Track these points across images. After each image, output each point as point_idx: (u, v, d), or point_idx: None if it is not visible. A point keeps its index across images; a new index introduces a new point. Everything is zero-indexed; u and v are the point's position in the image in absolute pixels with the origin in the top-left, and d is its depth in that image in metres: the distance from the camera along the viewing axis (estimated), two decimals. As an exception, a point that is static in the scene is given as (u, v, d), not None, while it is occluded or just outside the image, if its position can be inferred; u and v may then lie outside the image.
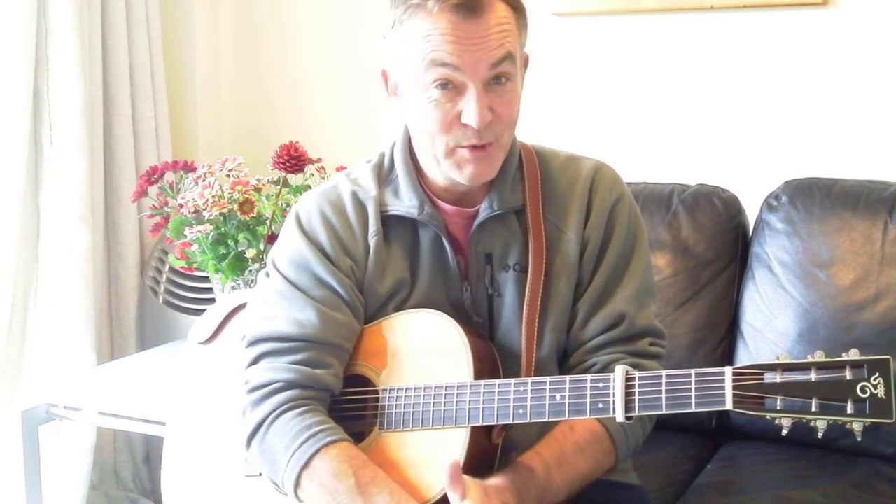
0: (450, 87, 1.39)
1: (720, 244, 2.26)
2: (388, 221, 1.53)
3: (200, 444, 1.65)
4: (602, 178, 1.56)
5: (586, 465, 1.45)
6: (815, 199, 2.17)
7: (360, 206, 1.53)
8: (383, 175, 1.57)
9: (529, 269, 1.50)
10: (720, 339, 2.23)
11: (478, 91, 1.38)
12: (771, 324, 2.14)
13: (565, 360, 1.55)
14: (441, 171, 1.48)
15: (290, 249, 1.53)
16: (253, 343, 1.51)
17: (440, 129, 1.41)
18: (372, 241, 1.51)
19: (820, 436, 1.22)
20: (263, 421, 1.44)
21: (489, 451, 1.44)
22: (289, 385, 1.45)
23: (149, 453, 2.88)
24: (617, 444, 1.47)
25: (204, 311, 1.78)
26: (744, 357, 2.18)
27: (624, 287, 1.53)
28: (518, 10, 1.44)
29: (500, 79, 1.40)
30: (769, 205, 2.23)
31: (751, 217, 2.30)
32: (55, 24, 2.54)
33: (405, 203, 1.52)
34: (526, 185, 1.53)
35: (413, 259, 1.53)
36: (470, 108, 1.38)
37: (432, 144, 1.44)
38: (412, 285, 1.53)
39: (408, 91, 1.46)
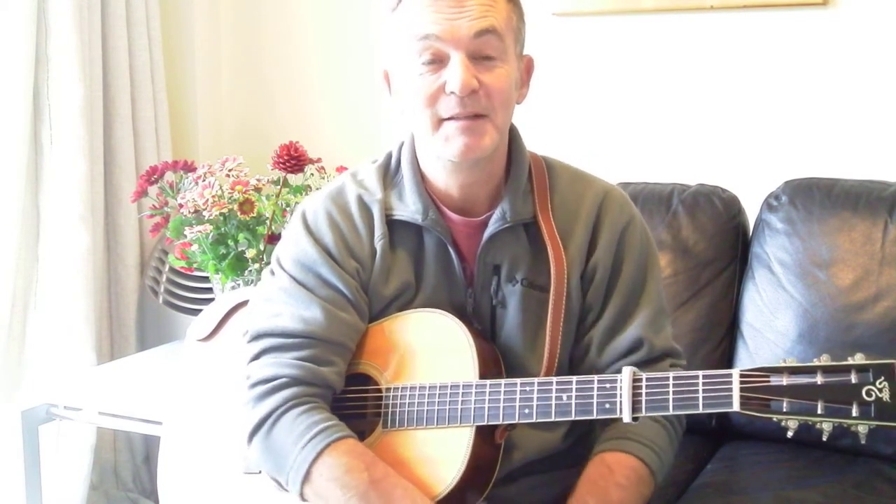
0: (435, 62, 1.41)
1: (720, 244, 2.26)
2: (393, 225, 1.53)
3: (198, 442, 1.65)
4: (611, 202, 1.55)
5: (633, 502, 1.45)
6: (815, 199, 2.17)
7: (365, 209, 1.53)
8: (388, 177, 1.57)
9: (552, 288, 1.49)
10: (720, 339, 2.23)
11: (461, 59, 1.39)
12: (771, 324, 2.14)
13: None
14: (435, 154, 1.48)
15: (295, 249, 1.53)
16: (256, 338, 1.50)
17: (426, 102, 1.42)
18: (378, 245, 1.51)
19: (825, 438, 1.23)
20: (268, 417, 1.43)
21: (492, 452, 1.44)
22: (294, 381, 1.44)
23: (149, 453, 2.88)
24: (655, 473, 1.48)
25: (203, 311, 1.78)
26: (744, 357, 2.18)
27: (640, 312, 1.52)
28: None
29: (488, 55, 1.41)
30: (769, 205, 2.23)
31: (751, 217, 2.30)
32: (55, 24, 2.54)
33: (409, 208, 1.52)
34: (535, 197, 1.53)
35: (418, 263, 1.53)
36: (452, 74, 1.39)
37: (421, 122, 1.44)
38: (417, 289, 1.53)
39: (401, 77, 1.46)
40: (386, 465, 1.40)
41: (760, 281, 2.19)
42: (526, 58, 1.52)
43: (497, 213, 1.50)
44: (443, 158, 1.47)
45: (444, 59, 1.41)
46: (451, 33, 1.39)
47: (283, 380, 1.44)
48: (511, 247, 1.52)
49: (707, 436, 2.21)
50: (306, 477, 1.39)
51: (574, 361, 1.55)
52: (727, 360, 2.21)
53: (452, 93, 1.39)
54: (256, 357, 1.49)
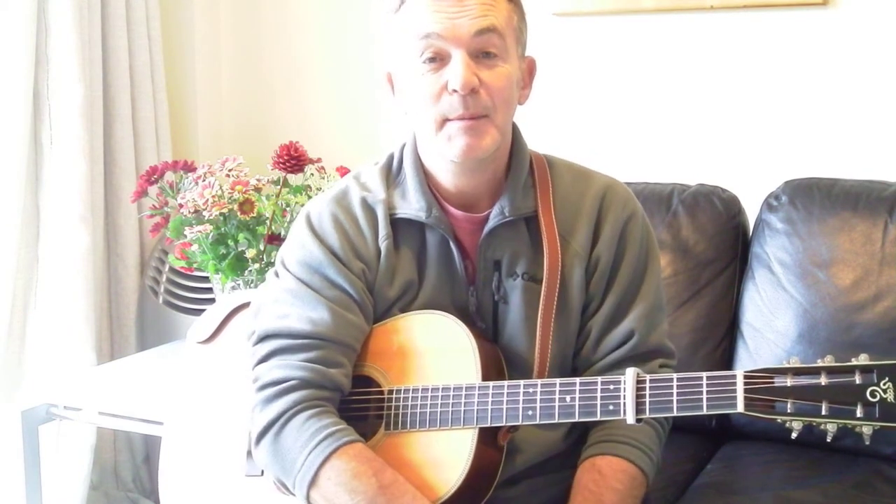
0: (437, 61, 1.41)
1: (720, 244, 2.26)
2: (397, 224, 1.53)
3: (198, 444, 1.65)
4: (614, 196, 1.55)
5: None
6: (815, 199, 2.17)
7: (369, 210, 1.54)
8: (391, 177, 1.57)
9: (545, 280, 1.49)
10: (720, 339, 2.23)
11: (463, 57, 1.40)
12: (771, 324, 2.14)
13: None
14: (438, 154, 1.48)
15: (301, 251, 1.53)
16: (263, 339, 1.50)
17: (429, 101, 1.42)
18: (383, 245, 1.51)
19: (829, 439, 1.23)
20: (277, 420, 1.43)
21: (495, 454, 1.44)
22: (303, 384, 1.44)
23: (149, 453, 2.88)
24: (647, 474, 1.48)
25: (204, 311, 1.78)
26: (744, 357, 2.18)
27: (636, 306, 1.53)
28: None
29: (489, 54, 1.42)
30: (769, 205, 2.23)
31: (751, 217, 2.30)
32: (55, 24, 2.53)
33: (413, 206, 1.52)
34: (537, 192, 1.53)
35: (420, 261, 1.53)
36: (454, 72, 1.40)
37: (424, 121, 1.44)
38: (419, 287, 1.53)
39: (404, 78, 1.47)
40: (394, 470, 1.39)
41: (760, 281, 2.19)
42: (528, 59, 1.52)
43: (496, 209, 1.51)
44: (445, 158, 1.47)
45: (445, 57, 1.41)
46: (452, 31, 1.40)
47: (293, 382, 1.44)
48: (511, 241, 1.52)
49: (707, 436, 2.21)
50: (313, 481, 1.38)
51: (576, 356, 1.56)
52: (727, 360, 2.21)
53: (455, 91, 1.40)
54: (265, 359, 1.49)
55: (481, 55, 1.41)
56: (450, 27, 1.39)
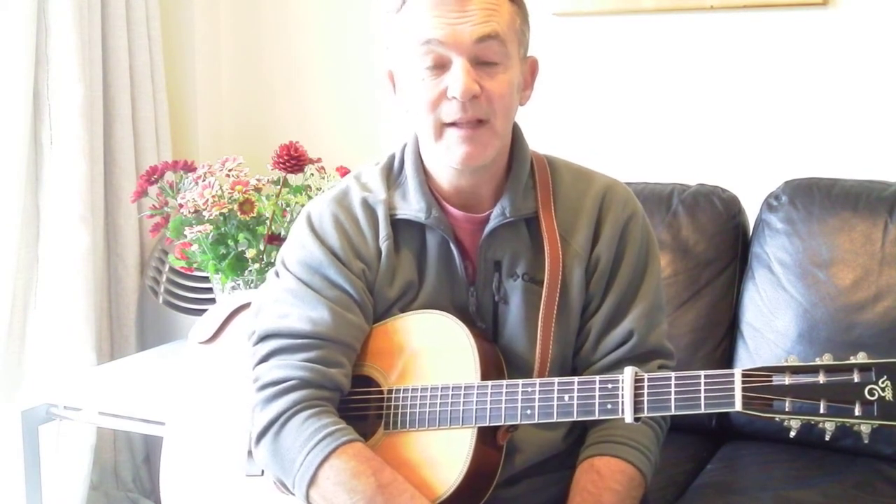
0: (437, 67, 1.41)
1: (720, 244, 2.26)
2: (397, 224, 1.53)
3: (200, 444, 1.65)
4: (614, 196, 1.55)
5: None
6: (815, 199, 2.17)
7: (370, 210, 1.54)
8: (392, 177, 1.57)
9: (545, 281, 1.49)
10: (720, 339, 2.23)
11: (463, 64, 1.39)
12: (771, 324, 2.15)
13: None
14: (437, 160, 1.48)
15: (301, 252, 1.53)
16: (263, 339, 1.50)
17: (429, 106, 1.42)
18: (383, 246, 1.51)
19: (828, 438, 1.23)
20: (276, 419, 1.43)
21: (494, 454, 1.44)
22: (303, 383, 1.44)
23: (149, 453, 2.88)
24: (645, 475, 1.48)
25: (204, 311, 1.78)
26: (744, 357, 2.18)
27: (636, 306, 1.53)
28: (514, 1, 1.45)
29: (490, 61, 1.41)
30: (769, 205, 2.23)
31: (751, 217, 2.30)
32: (55, 24, 2.53)
33: (413, 206, 1.52)
34: (538, 193, 1.53)
35: (420, 262, 1.53)
36: (454, 79, 1.39)
37: (424, 127, 1.44)
38: (418, 287, 1.53)
39: (404, 79, 1.47)
40: (393, 470, 1.39)
41: (760, 281, 2.19)
42: (530, 59, 1.52)
43: (497, 209, 1.50)
44: (445, 164, 1.47)
45: (446, 63, 1.41)
46: (454, 38, 1.39)
47: (293, 382, 1.44)
48: (511, 242, 1.52)
49: (707, 436, 2.21)
50: (313, 480, 1.39)
51: (575, 356, 1.56)
52: (727, 360, 2.21)
53: (454, 98, 1.40)
54: (265, 359, 1.49)
55: (482, 62, 1.41)
56: (450, 34, 1.39)
